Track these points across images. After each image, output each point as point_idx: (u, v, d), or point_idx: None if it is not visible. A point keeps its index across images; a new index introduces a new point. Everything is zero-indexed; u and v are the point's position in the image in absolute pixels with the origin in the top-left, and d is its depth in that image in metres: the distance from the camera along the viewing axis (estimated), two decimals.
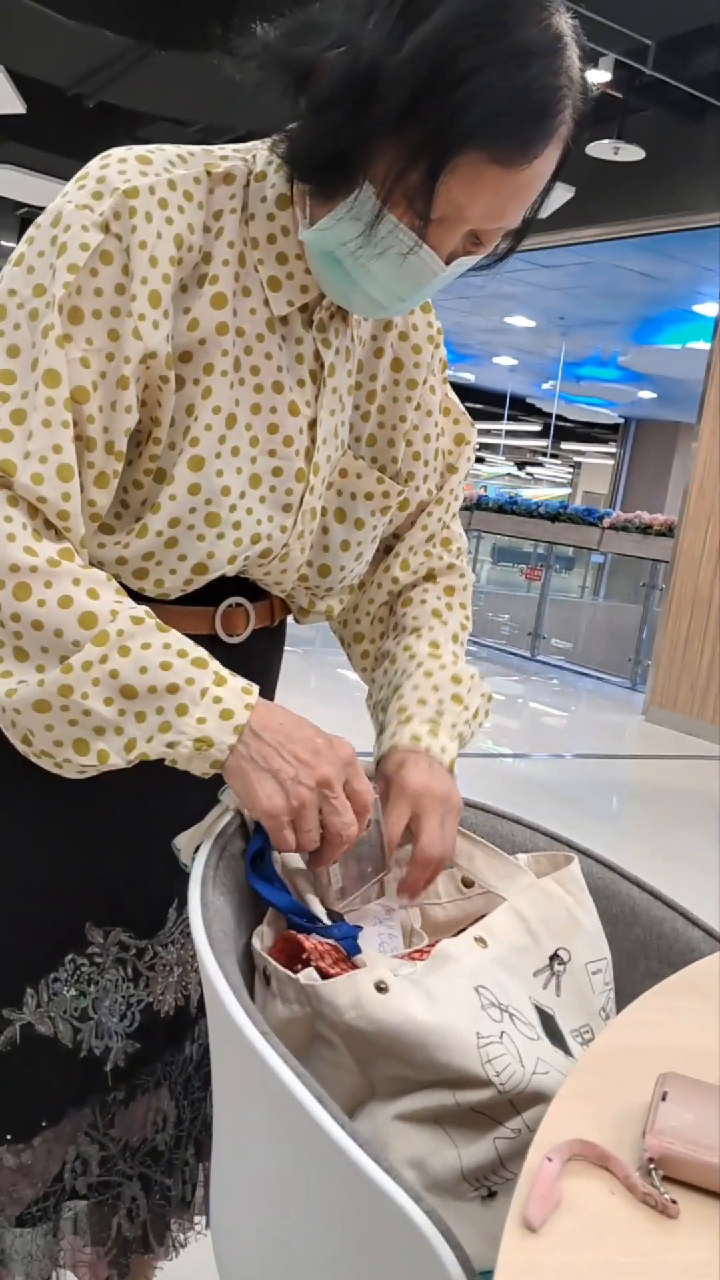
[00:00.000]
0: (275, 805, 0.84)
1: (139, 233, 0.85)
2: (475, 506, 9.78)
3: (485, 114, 0.77)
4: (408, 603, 1.14)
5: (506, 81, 0.77)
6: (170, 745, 0.83)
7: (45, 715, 0.82)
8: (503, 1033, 0.79)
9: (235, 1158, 0.80)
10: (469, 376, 16.69)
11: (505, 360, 14.23)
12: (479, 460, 27.09)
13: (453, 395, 1.14)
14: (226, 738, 0.83)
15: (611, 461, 19.12)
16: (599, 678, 8.24)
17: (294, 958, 0.83)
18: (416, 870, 0.94)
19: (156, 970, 1.06)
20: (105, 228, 0.84)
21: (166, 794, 0.93)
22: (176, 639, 0.85)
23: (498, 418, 19.14)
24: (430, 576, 1.16)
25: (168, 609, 0.94)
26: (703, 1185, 0.56)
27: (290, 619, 1.14)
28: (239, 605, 1.03)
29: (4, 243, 11.13)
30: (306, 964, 0.82)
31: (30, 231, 0.88)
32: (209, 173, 0.91)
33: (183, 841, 0.88)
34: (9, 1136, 1.00)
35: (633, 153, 6.01)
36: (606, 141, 5.95)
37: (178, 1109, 1.12)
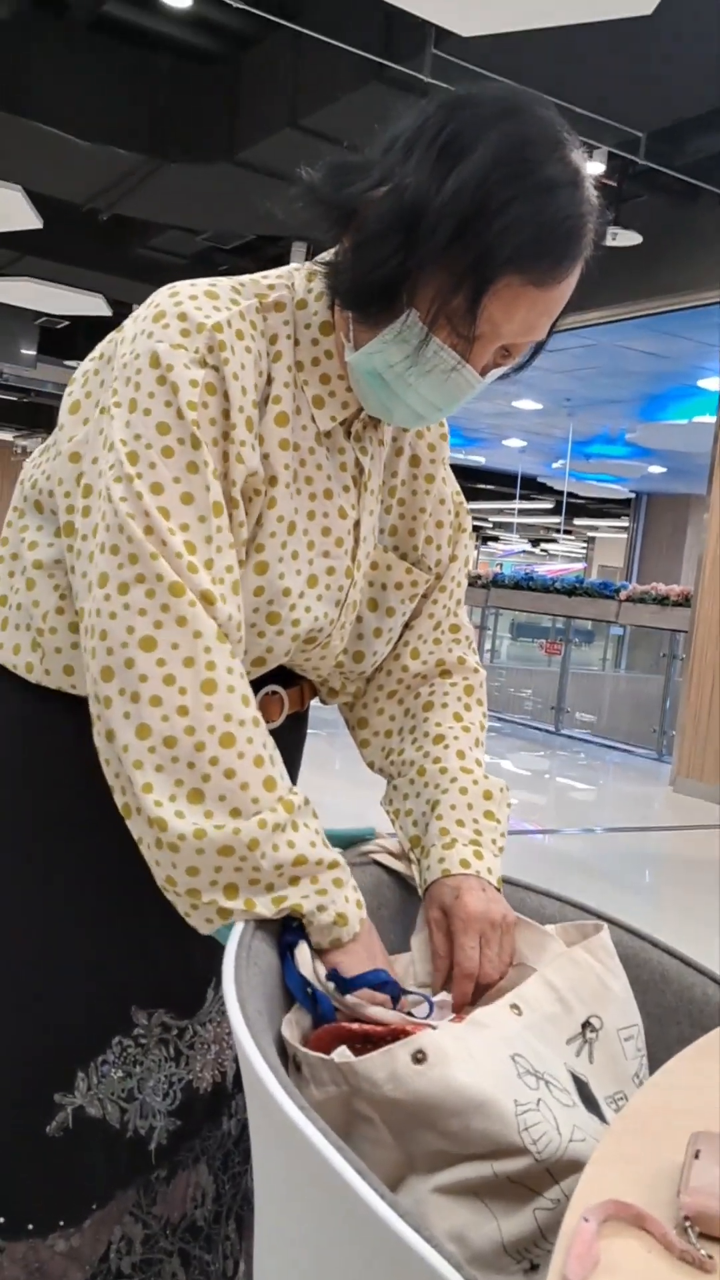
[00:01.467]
0: None
1: (230, 364, 0.92)
2: (492, 584, 9.85)
3: (521, 242, 0.86)
4: (429, 707, 1.17)
5: (538, 212, 0.87)
6: (319, 909, 0.89)
7: (224, 859, 0.86)
8: (539, 1100, 0.80)
9: (277, 1232, 0.80)
10: (480, 459, 16.92)
11: (515, 442, 14.44)
12: (493, 539, 27.26)
13: (452, 482, 1.19)
14: (357, 921, 0.92)
15: (625, 535, 19.24)
16: (625, 750, 8.20)
17: (322, 1041, 0.84)
18: (469, 988, 0.98)
19: (196, 1049, 1.08)
20: (203, 363, 0.91)
21: None
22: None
23: (510, 497, 19.34)
24: (443, 670, 1.18)
25: None
26: None
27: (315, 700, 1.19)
28: (275, 693, 1.08)
29: (25, 350, 11.46)
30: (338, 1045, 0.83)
31: (121, 377, 0.93)
32: (261, 302, 0.98)
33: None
34: (61, 1222, 1.00)
35: (630, 238, 6.19)
36: (604, 228, 6.13)
37: (216, 1184, 1.13)
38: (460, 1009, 0.96)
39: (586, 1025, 0.89)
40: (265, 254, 8.65)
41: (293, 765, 1.16)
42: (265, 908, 0.87)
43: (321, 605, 1.03)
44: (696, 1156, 0.62)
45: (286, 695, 1.09)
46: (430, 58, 4.51)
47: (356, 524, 1.05)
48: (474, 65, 4.58)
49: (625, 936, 1.05)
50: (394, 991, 0.91)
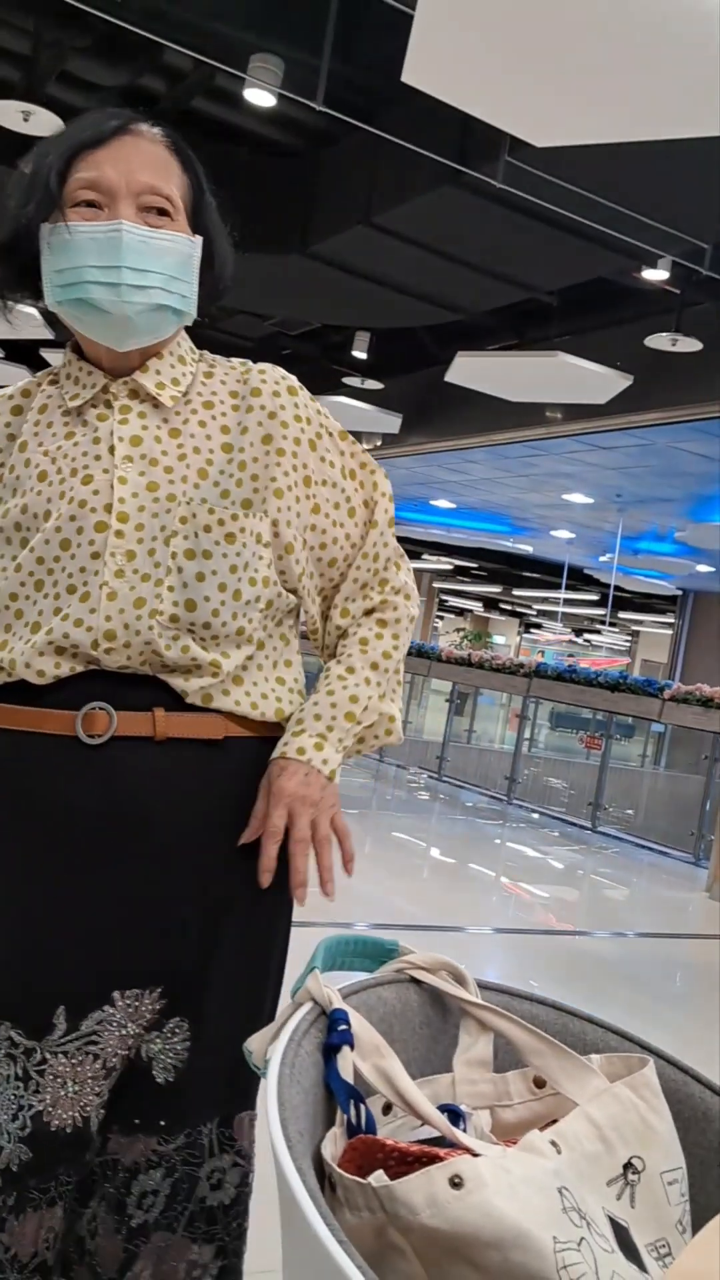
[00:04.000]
0: None
1: None
2: (535, 674, 9.82)
3: (70, 136, 1.22)
4: (344, 635, 1.36)
5: (75, 126, 1.23)
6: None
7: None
8: (581, 1239, 0.78)
9: None
10: (528, 548, 17.00)
11: (563, 533, 14.50)
12: (536, 626, 27.20)
13: (360, 460, 1.35)
14: None
15: (670, 631, 19.14)
16: (660, 851, 8.06)
17: (363, 1166, 0.83)
18: (273, 850, 1.21)
19: (46, 1077, 1.12)
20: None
21: (47, 894, 1.11)
22: None
23: (555, 586, 19.36)
24: (368, 611, 1.36)
25: (29, 711, 1.17)
26: None
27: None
28: (101, 708, 1.17)
29: None
30: (379, 1168, 0.82)
31: None
32: (38, 378, 1.32)
33: (255, 1044, 0.89)
34: None
35: (690, 344, 6.27)
36: (665, 334, 6.23)
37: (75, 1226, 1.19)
38: (264, 870, 1.16)
39: (628, 1167, 0.87)
40: (329, 340, 8.87)
41: (217, 803, 1.24)
42: None
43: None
44: None
45: (116, 715, 1.17)
46: (503, 165, 4.65)
47: (120, 480, 1.19)
48: (544, 172, 4.71)
49: (667, 1069, 1.03)
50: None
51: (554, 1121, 0.89)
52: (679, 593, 17.42)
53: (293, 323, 8.76)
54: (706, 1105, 1.01)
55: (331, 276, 6.39)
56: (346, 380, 8.76)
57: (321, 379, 9.07)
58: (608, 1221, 0.83)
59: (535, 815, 9.06)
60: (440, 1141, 0.85)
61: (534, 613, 25.96)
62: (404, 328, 8.28)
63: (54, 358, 8.71)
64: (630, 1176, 0.87)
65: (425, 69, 3.27)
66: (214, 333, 9.18)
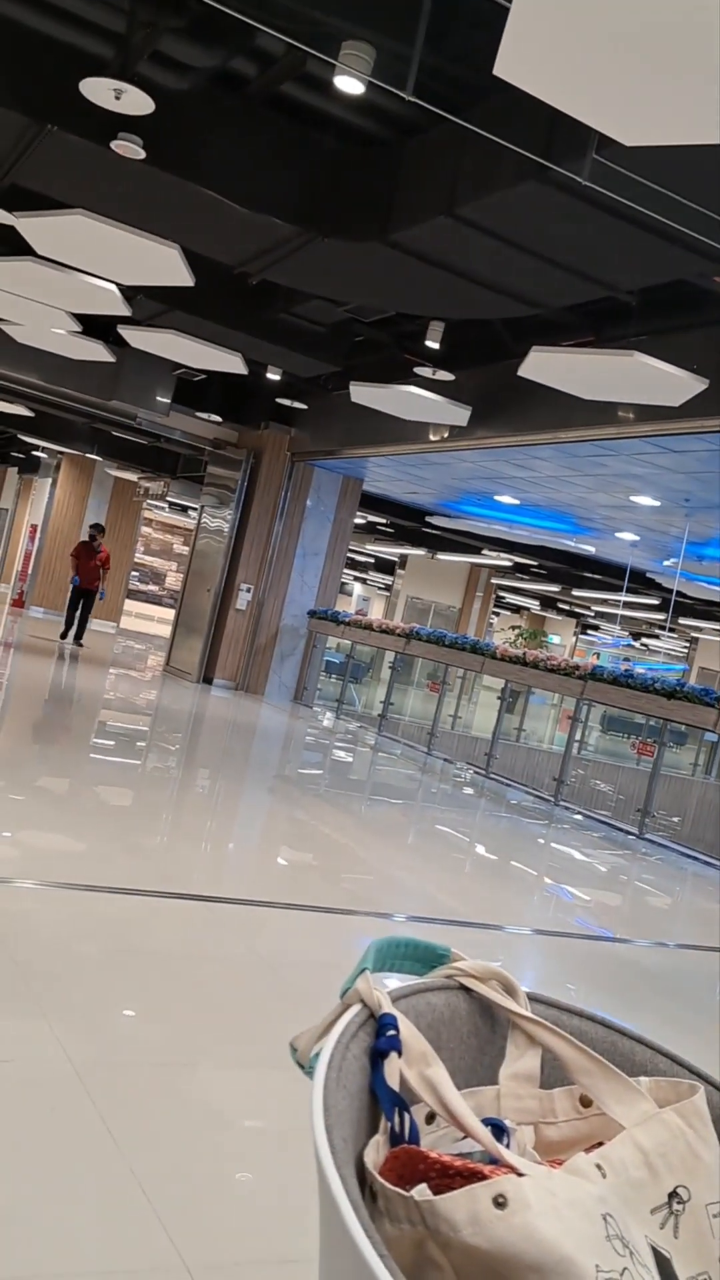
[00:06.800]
0: None
1: None
2: (590, 676, 9.73)
3: None
4: None
5: None
6: None
7: None
8: (624, 1269, 0.77)
9: None
10: (590, 548, 16.84)
11: (627, 535, 14.34)
12: (594, 628, 26.94)
13: None
14: None
15: None
16: (706, 861, 7.95)
17: (404, 1176, 0.83)
18: None
19: None
20: None
21: None
22: None
23: (615, 588, 19.17)
24: None
25: None
26: None
27: None
28: None
29: (160, 398, 11.85)
30: (420, 1179, 0.81)
31: None
32: None
33: (301, 1042, 0.89)
34: None
35: None
36: None
37: None
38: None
39: (674, 1196, 0.86)
40: (403, 329, 8.83)
41: None
42: None
43: None
44: None
45: None
46: (590, 162, 4.59)
47: None
48: (631, 171, 4.64)
49: (713, 1095, 1.02)
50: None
51: (599, 1144, 0.88)
52: None
53: (367, 310, 8.73)
54: None
55: (410, 265, 6.36)
56: (418, 370, 8.72)
57: (393, 368, 9.04)
58: (650, 1251, 0.82)
59: (580, 817, 8.99)
60: (484, 1158, 0.85)
61: (591, 614, 25.71)
62: (479, 320, 8.21)
63: (131, 335, 8.77)
64: (675, 1206, 0.86)
65: (518, 62, 3.23)
66: (287, 317, 9.18)
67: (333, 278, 7.13)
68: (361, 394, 8.43)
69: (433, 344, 8.18)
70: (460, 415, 8.51)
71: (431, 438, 10.38)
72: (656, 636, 26.31)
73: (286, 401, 12.03)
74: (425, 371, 8.67)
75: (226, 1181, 2.17)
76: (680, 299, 6.91)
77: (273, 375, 10.72)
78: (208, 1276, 1.83)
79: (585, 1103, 0.98)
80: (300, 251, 6.70)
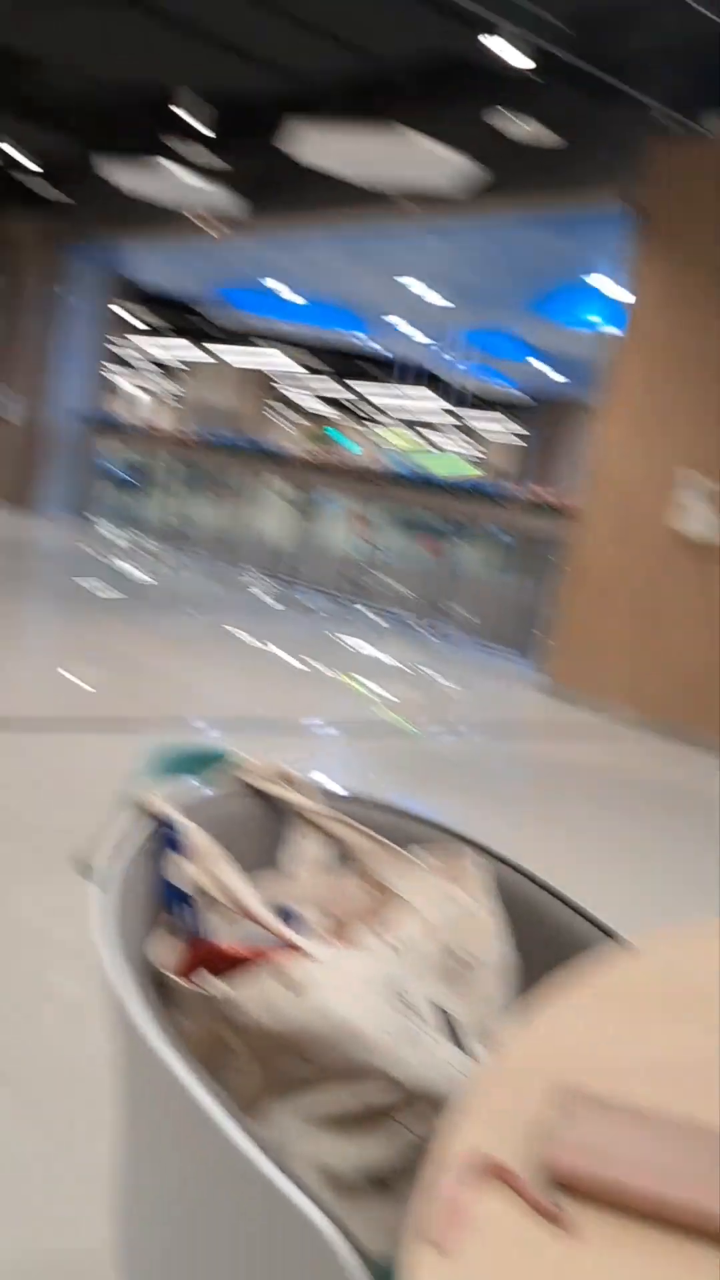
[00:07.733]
0: None
1: None
2: (387, 480, 9.77)
3: None
4: None
5: None
6: None
7: None
8: (411, 1031, 0.80)
9: (142, 1166, 0.79)
10: (377, 346, 16.64)
11: (413, 333, 14.22)
12: (374, 420, 26.92)
13: None
14: None
15: (518, 440, 19.36)
16: (501, 654, 8.36)
17: (198, 970, 0.82)
18: None
19: None
20: None
21: None
22: None
23: (401, 385, 19.15)
24: None
25: None
26: (603, 1200, 0.58)
27: None
28: None
29: None
30: (214, 972, 0.81)
31: None
32: None
33: (83, 853, 0.86)
34: None
35: (541, 133, 6.07)
36: (509, 115, 6.04)
37: None
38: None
39: (460, 961, 0.89)
40: (164, 115, 8.18)
41: None
42: None
43: None
44: (564, 1113, 0.62)
45: None
46: None
47: None
48: None
49: (500, 869, 1.06)
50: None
51: (386, 918, 0.90)
52: (533, 403, 17.51)
53: (126, 86, 8.02)
54: (534, 900, 1.04)
55: (160, 31, 5.85)
56: (181, 152, 8.15)
57: (158, 151, 8.41)
58: (440, 1012, 0.85)
59: (375, 616, 9.23)
60: (276, 944, 0.85)
61: (378, 412, 25.68)
62: (251, 105, 7.71)
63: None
64: (461, 971, 0.90)
65: None
66: (31, 89, 8.32)
67: (76, 43, 6.50)
68: (121, 176, 7.80)
69: (191, 119, 7.62)
70: (230, 201, 8.09)
71: (201, 226, 9.82)
72: (443, 432, 26.63)
73: (43, 189, 11.02)
74: (189, 153, 8.11)
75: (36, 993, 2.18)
76: (458, 83, 6.68)
77: (14, 154, 9.75)
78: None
79: (371, 882, 1.01)
80: (43, 12, 6.02)
